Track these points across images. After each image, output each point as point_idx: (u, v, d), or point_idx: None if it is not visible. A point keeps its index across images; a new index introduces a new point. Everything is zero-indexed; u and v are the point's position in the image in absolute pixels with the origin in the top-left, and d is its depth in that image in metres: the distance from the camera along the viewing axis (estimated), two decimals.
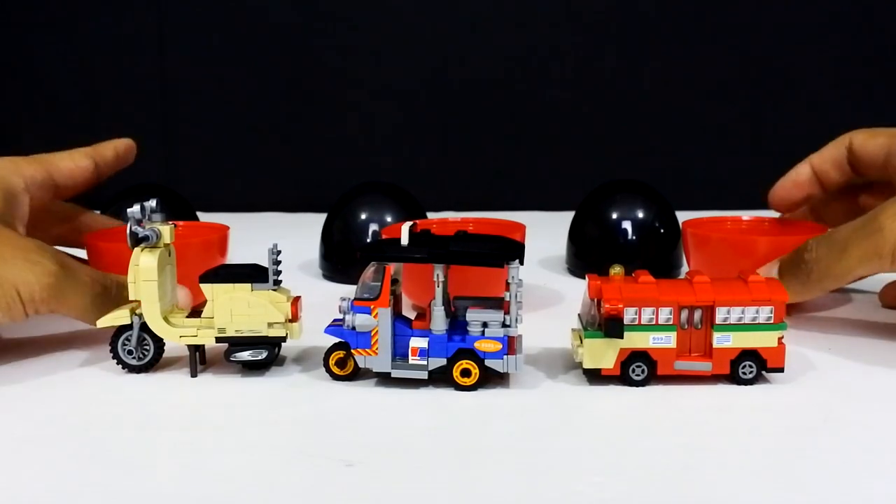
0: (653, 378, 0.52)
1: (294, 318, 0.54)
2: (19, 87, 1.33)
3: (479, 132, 1.30)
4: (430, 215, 0.85)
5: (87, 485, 0.40)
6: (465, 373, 0.51)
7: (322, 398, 0.51)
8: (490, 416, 0.48)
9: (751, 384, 0.51)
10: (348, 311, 0.52)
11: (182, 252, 0.58)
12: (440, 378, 0.52)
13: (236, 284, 0.53)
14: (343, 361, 0.53)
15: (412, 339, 0.52)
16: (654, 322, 0.51)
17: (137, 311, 0.54)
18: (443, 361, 0.51)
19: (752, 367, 0.51)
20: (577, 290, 0.58)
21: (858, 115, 1.03)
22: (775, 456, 0.42)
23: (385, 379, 0.53)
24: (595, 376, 0.52)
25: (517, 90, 1.28)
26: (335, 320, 0.53)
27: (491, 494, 0.39)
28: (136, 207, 0.53)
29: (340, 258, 0.81)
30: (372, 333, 0.51)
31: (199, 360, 0.55)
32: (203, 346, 0.55)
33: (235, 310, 0.53)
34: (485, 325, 0.51)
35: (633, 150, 1.27)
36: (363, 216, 0.81)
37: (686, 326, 0.52)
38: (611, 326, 0.50)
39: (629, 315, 0.51)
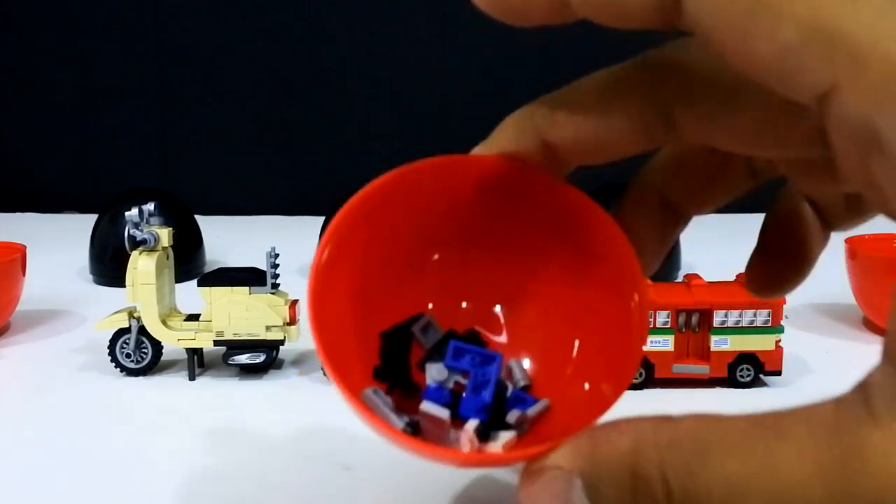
0: (650, 381, 0.52)
1: (292, 321, 0.54)
2: (19, 91, 1.33)
3: (475, 136, 1.30)
4: None
5: (85, 487, 0.40)
6: None
7: (320, 401, 0.51)
8: None
9: (748, 387, 0.52)
10: None
11: None
12: None
13: (234, 288, 0.53)
14: None
15: None
16: (651, 325, 0.51)
17: (135, 315, 0.54)
18: None
19: (749, 370, 0.51)
20: None
21: None
22: None
23: None
24: None
25: (513, 94, 1.28)
26: None
27: (489, 498, 0.39)
28: (135, 211, 0.53)
29: None
30: None
31: (197, 363, 0.55)
32: (201, 349, 0.55)
33: (233, 313, 0.53)
34: None
35: None
36: None
37: (683, 330, 0.52)
38: None
39: None
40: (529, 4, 0.27)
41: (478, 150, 0.31)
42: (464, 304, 0.34)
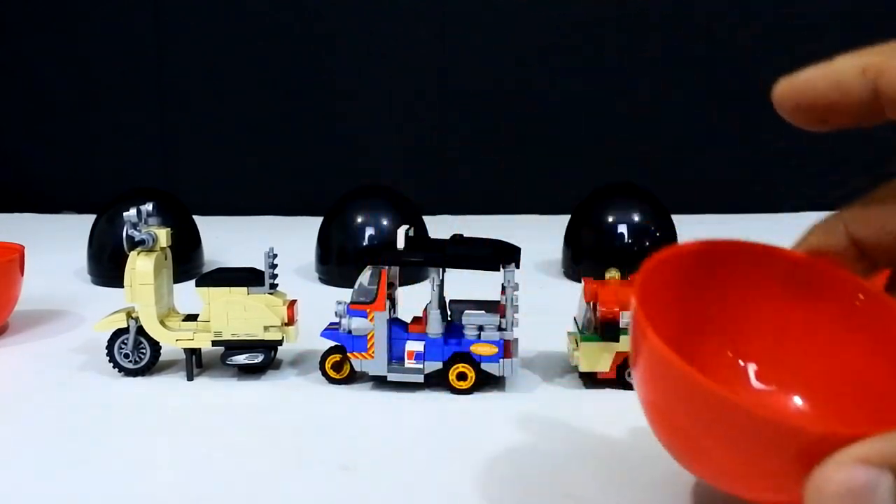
0: None
1: (290, 321, 0.54)
2: (19, 91, 1.33)
3: (475, 136, 1.30)
4: (427, 219, 0.85)
5: (83, 487, 0.40)
6: (461, 376, 0.51)
7: (318, 402, 0.51)
8: (486, 420, 0.48)
9: None
10: (344, 314, 0.52)
11: None
12: (436, 381, 0.52)
13: (232, 288, 0.53)
14: (339, 365, 0.53)
15: (408, 342, 0.52)
16: None
17: (134, 315, 0.54)
18: (439, 365, 0.51)
19: None
20: (573, 294, 0.58)
21: None
22: None
23: (381, 382, 0.53)
24: (591, 380, 0.52)
25: (514, 94, 1.28)
26: (331, 324, 0.53)
27: (487, 498, 0.39)
28: (133, 211, 0.53)
29: (337, 262, 0.82)
30: (368, 337, 0.51)
31: (195, 363, 0.55)
32: (199, 349, 0.55)
33: (232, 313, 0.53)
34: (481, 328, 0.51)
35: (629, 153, 1.27)
36: (359, 220, 0.81)
37: None
38: (607, 330, 0.51)
39: (625, 318, 0.51)
40: (836, 110, 0.31)
41: (792, 247, 0.35)
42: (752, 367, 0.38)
